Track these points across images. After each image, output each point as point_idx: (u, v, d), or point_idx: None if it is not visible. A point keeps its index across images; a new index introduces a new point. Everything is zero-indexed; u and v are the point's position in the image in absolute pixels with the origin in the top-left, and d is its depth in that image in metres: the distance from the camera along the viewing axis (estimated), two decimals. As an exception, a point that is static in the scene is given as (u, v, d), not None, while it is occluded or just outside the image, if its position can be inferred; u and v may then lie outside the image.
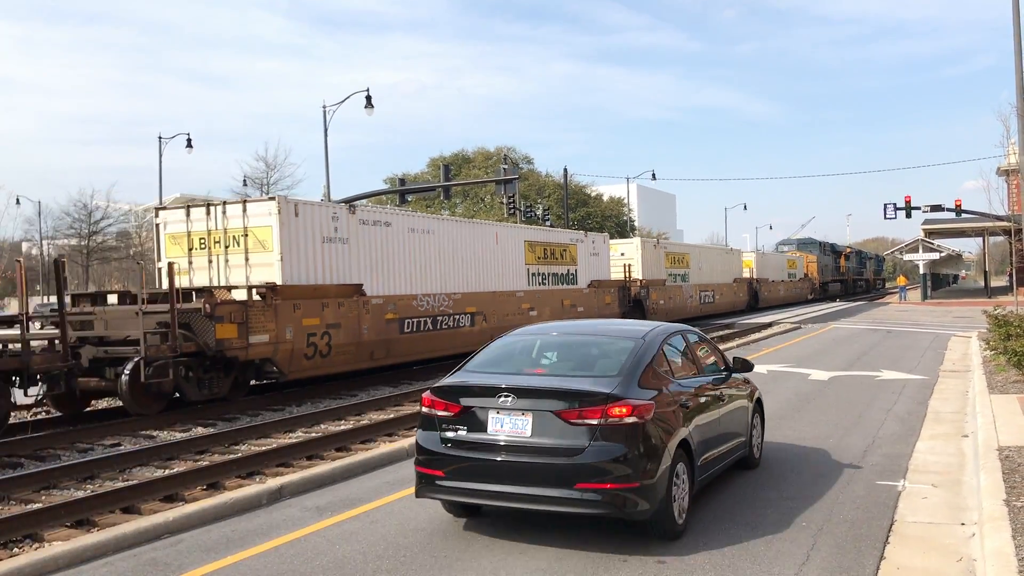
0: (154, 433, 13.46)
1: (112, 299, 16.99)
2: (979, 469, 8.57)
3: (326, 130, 38.53)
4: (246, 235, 16.85)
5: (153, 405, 14.46)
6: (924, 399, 14.41)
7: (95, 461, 10.86)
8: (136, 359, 13.87)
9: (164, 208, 18.82)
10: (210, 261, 17.28)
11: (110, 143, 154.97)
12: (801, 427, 11.91)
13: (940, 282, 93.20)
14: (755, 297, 49.93)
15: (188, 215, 17.65)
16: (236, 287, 16.26)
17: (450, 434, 7.00)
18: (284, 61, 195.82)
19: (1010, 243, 42.29)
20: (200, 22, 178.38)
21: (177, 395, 15.03)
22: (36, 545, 7.79)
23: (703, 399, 7.90)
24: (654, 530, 6.89)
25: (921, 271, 62.09)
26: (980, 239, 72.19)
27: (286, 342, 15.98)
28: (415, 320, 19.86)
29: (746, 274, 50.08)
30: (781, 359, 21.16)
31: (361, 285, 18.25)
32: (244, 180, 53.59)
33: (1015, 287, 37.51)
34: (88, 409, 15.65)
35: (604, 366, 7.36)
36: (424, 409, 7.25)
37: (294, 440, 12.41)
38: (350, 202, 30.03)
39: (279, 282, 16.27)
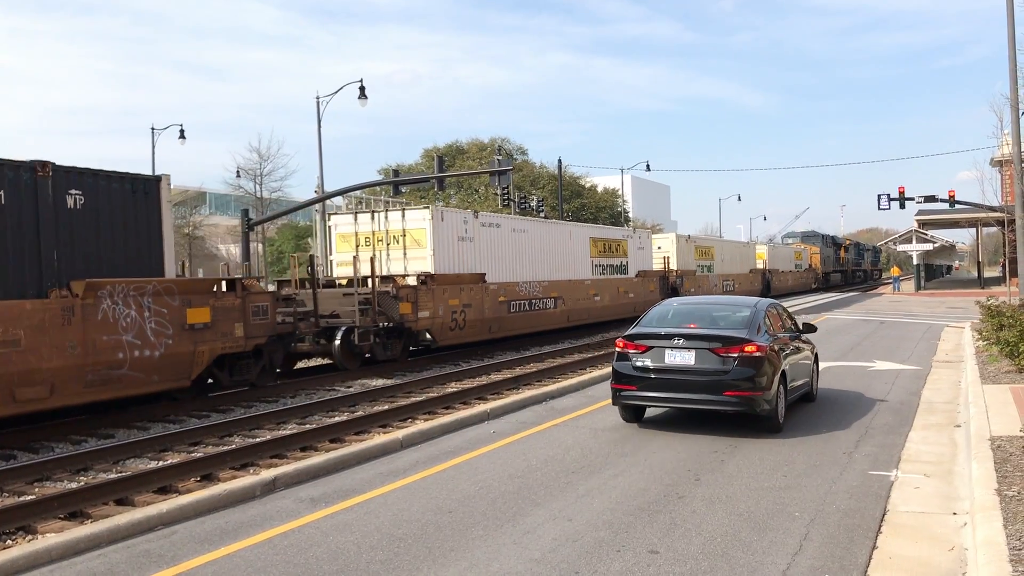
0: (148, 424, 13.45)
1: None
2: (971, 459, 8.60)
3: (319, 121, 38.42)
4: (404, 235, 21.68)
5: (353, 363, 19.10)
6: (917, 389, 14.46)
7: (88, 453, 10.84)
8: (344, 328, 18.66)
9: (335, 214, 24.11)
10: (372, 256, 20.79)
11: (102, 134, 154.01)
12: (793, 417, 11.93)
13: (933, 273, 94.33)
14: (767, 286, 53.28)
15: (356, 219, 22.46)
16: (408, 275, 21.07)
17: (639, 363, 10.91)
18: (277, 52, 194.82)
19: (1003, 234, 42.44)
20: (193, 12, 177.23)
21: (368, 356, 19.72)
22: (29, 537, 7.80)
23: (788, 348, 11.60)
24: (766, 424, 10.81)
25: (914, 262, 62.22)
26: (973, 230, 72.34)
27: (439, 317, 20.96)
28: (518, 302, 24.93)
29: (759, 265, 54.66)
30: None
31: (484, 274, 23.29)
32: (237, 171, 53.52)
33: (1008, 278, 37.62)
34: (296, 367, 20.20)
35: (735, 322, 11.35)
36: (618, 349, 11.26)
37: (288, 432, 12.40)
38: (344, 193, 29.97)
39: (432, 272, 21.16)
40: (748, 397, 10.41)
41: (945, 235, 78.81)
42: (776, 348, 11.02)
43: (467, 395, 15.20)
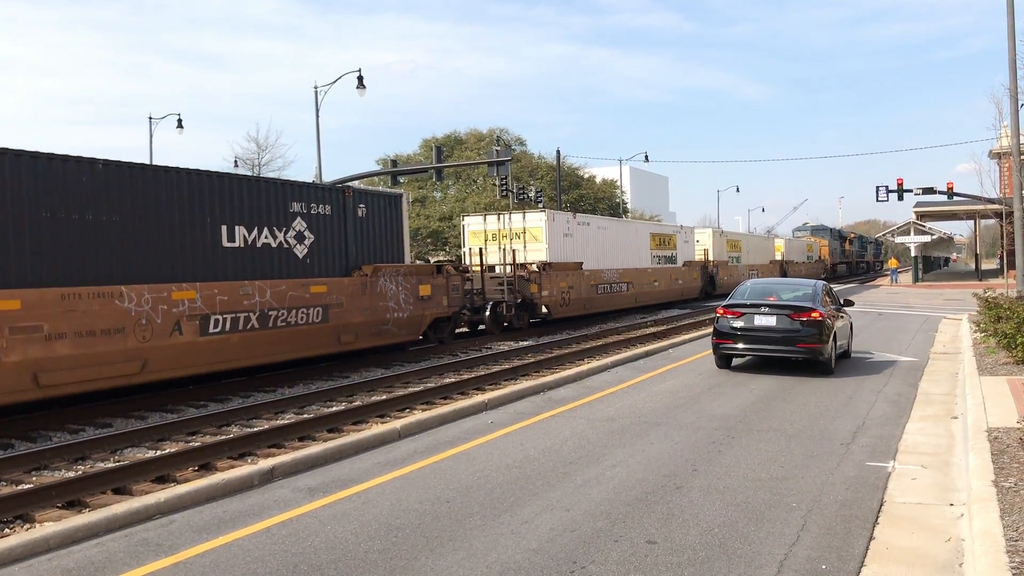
0: (146, 414, 13.45)
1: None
2: (968, 450, 8.61)
3: (317, 111, 38.30)
4: (524, 232, 27.99)
5: (497, 328, 25.53)
6: (915, 381, 14.48)
7: (86, 442, 10.84)
8: (492, 302, 25.47)
9: (467, 215, 31.43)
10: (499, 248, 27.78)
11: (99, 123, 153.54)
12: (792, 408, 11.96)
13: (931, 265, 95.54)
14: (784, 275, 56.75)
15: (484, 220, 28.96)
16: (529, 264, 26.95)
17: (735, 324, 15.31)
18: (276, 41, 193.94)
19: (1001, 226, 42.41)
20: (191, 1, 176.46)
21: (505, 324, 25.84)
22: (27, 526, 7.80)
23: (836, 317, 15.80)
24: (822, 368, 15.11)
25: (912, 253, 62.29)
26: (971, 222, 72.42)
27: (553, 295, 27.13)
28: (602, 286, 31.14)
29: (778, 256, 61.16)
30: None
31: (581, 263, 29.40)
32: (235, 161, 53.29)
33: (1005, 270, 37.65)
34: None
35: (801, 296, 15.76)
36: (718, 315, 15.64)
37: (286, 421, 12.40)
38: (343, 183, 29.91)
39: (548, 260, 27.35)
40: (813, 348, 14.86)
41: (943, 227, 78.90)
42: (830, 315, 15.33)
43: (465, 385, 15.22)
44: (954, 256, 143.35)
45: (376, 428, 11.01)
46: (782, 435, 10.24)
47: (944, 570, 5.92)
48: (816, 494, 7.73)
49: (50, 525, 7.07)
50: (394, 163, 42.37)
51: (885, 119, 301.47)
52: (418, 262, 21.96)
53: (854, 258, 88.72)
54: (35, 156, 12.17)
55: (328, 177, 38.75)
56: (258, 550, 6.52)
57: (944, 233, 75.76)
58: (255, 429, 11.82)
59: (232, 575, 6.03)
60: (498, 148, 38.96)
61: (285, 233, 16.65)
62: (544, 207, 27.60)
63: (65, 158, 12.63)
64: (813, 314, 14.76)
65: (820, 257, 72.70)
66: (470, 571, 6.00)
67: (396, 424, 10.90)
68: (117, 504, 7.64)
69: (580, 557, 6.21)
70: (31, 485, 9.07)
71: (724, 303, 15.92)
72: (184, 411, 13.67)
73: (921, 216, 60.72)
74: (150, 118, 45.83)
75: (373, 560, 6.26)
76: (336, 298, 17.49)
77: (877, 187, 47.39)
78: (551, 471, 8.70)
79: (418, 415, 11.81)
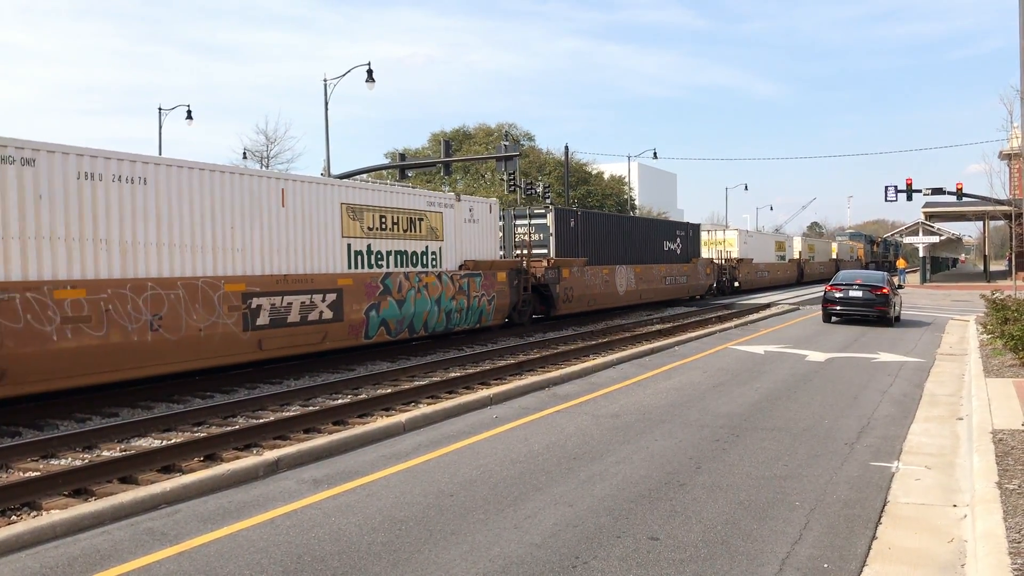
0: (152, 404, 13.51)
1: None
2: (972, 451, 8.60)
3: (327, 104, 38.33)
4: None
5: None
6: (920, 381, 14.46)
7: (93, 431, 10.90)
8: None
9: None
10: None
11: (110, 113, 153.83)
12: (796, 408, 11.96)
13: (939, 265, 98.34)
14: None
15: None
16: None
17: (837, 295, 25.54)
18: (289, 33, 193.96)
19: (1010, 227, 42.23)
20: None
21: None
22: (34, 513, 7.86)
23: (894, 294, 26.22)
24: (887, 322, 25.24)
25: (920, 254, 62.10)
26: (980, 223, 72.04)
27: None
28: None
29: (833, 256, 75.13)
30: (779, 340, 21.20)
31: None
32: (244, 153, 53.37)
33: (1014, 271, 37.50)
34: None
35: (876, 280, 26.12)
36: (826, 289, 26.01)
37: (291, 413, 12.45)
38: (350, 176, 29.94)
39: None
40: (883, 310, 24.97)
41: (952, 228, 78.75)
42: (893, 292, 25.79)
43: (470, 380, 15.25)
44: (962, 257, 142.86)
45: (381, 421, 11.04)
46: (786, 434, 10.24)
47: (946, 571, 5.92)
48: (819, 493, 7.74)
49: (57, 513, 7.12)
50: (402, 157, 42.38)
51: (898, 118, 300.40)
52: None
53: (879, 258, 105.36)
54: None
55: (336, 170, 38.84)
56: (262, 541, 6.56)
57: (952, 234, 75.67)
58: (261, 420, 11.87)
59: (236, 565, 6.07)
60: (506, 143, 38.96)
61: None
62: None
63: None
64: (883, 290, 25.10)
65: (858, 257, 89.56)
66: (473, 564, 6.03)
67: (401, 417, 10.93)
68: (123, 493, 7.69)
69: (583, 552, 6.24)
70: (38, 473, 9.13)
71: (829, 283, 26.30)
72: (191, 402, 13.73)
73: (930, 216, 60.50)
74: (159, 109, 45.95)
75: (376, 552, 6.29)
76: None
77: (886, 187, 47.32)
78: (555, 466, 8.72)
79: (423, 409, 11.84)
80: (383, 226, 19.07)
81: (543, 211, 29.19)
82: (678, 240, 38.90)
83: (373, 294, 18.34)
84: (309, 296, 16.59)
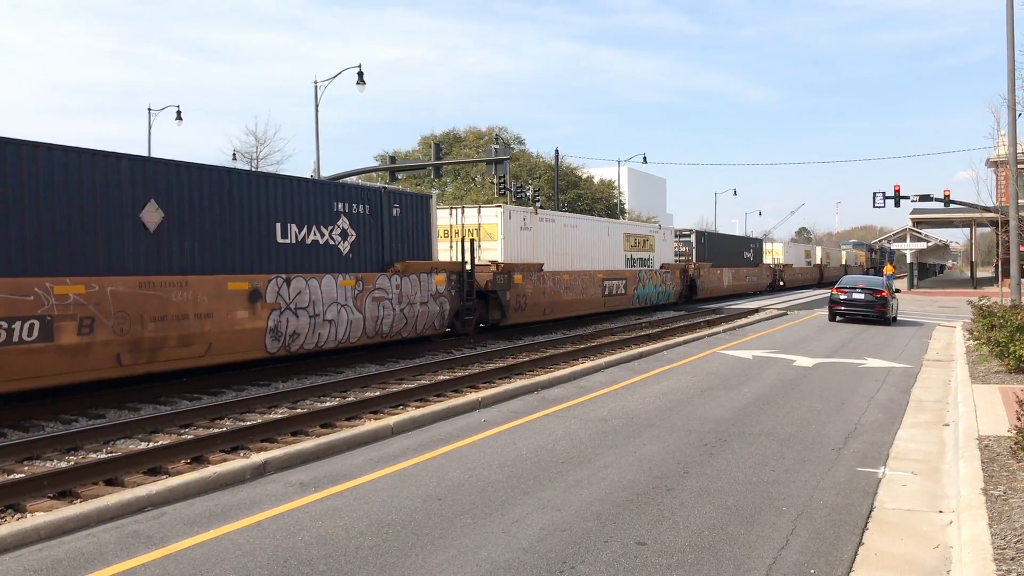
0: (139, 406, 13.44)
1: None
2: (959, 458, 8.65)
3: (316, 106, 38.26)
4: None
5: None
6: (907, 387, 14.53)
7: (79, 432, 10.82)
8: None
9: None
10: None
11: (99, 113, 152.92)
12: (784, 413, 11.99)
13: (926, 272, 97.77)
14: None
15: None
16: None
17: (842, 297, 28.70)
18: (281, 34, 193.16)
19: (997, 234, 42.52)
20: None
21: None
22: (18, 515, 7.79)
23: (892, 296, 29.47)
24: (885, 322, 28.12)
25: (908, 260, 62.49)
26: (968, 230, 72.56)
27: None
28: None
29: (843, 262, 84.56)
30: (766, 344, 21.27)
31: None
32: (233, 155, 53.19)
33: (1000, 278, 37.78)
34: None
35: (876, 284, 29.41)
36: (832, 292, 29.45)
37: (279, 416, 12.41)
38: (339, 179, 29.88)
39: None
40: (882, 311, 27.75)
41: (939, 234, 79.35)
42: (891, 295, 28.57)
43: (459, 383, 15.22)
44: (950, 263, 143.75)
45: (369, 424, 11.02)
46: (774, 439, 10.27)
47: (932, 577, 5.94)
48: (806, 499, 7.76)
49: (41, 515, 7.08)
50: (392, 159, 42.32)
51: (888, 125, 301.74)
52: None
53: (877, 264, 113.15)
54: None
55: (327, 172, 38.73)
56: (249, 544, 6.53)
57: (940, 240, 76.32)
58: (248, 423, 11.82)
59: (222, 568, 6.04)
60: (497, 147, 38.98)
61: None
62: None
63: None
64: (883, 293, 28.06)
65: (860, 263, 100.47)
66: (460, 569, 6.01)
67: (389, 421, 10.90)
68: (109, 495, 7.64)
69: (570, 557, 6.23)
70: (23, 474, 9.06)
71: (835, 286, 29.62)
72: (177, 403, 13.65)
73: (917, 223, 60.87)
74: (149, 109, 45.77)
75: (363, 556, 6.27)
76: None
77: (874, 193, 47.53)
78: (543, 470, 8.72)
79: (412, 412, 11.82)
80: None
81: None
82: (752, 251, 53.60)
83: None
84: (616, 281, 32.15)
